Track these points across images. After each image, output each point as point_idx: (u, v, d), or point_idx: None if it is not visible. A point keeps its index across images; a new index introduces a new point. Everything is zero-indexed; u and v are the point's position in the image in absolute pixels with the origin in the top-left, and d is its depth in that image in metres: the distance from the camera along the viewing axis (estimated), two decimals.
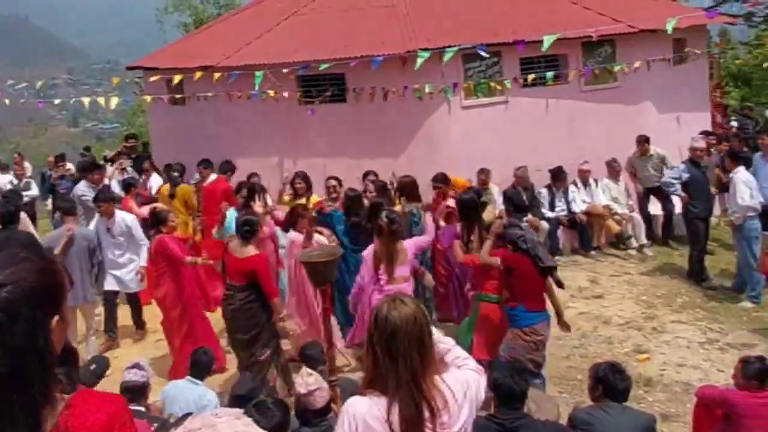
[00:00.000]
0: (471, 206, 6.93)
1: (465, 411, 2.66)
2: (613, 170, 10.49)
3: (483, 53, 9.57)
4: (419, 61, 9.14)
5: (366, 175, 9.09)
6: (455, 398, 2.62)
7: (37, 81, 11.15)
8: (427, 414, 2.55)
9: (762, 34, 19.81)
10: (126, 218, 7.95)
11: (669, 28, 8.24)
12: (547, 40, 8.18)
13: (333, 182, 8.60)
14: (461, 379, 2.72)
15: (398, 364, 2.55)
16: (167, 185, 9.76)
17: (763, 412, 4.61)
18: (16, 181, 11.54)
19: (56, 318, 1.70)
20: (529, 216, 9.84)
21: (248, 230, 6.28)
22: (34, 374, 1.61)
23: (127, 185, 9.68)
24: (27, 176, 11.46)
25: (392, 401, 2.54)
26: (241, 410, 1.48)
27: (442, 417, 2.57)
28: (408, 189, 7.95)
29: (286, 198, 8.76)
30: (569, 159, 10.30)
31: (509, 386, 4.17)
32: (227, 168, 9.96)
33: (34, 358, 1.60)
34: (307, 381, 4.12)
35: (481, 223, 6.91)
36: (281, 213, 7.84)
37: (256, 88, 9.95)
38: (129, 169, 11.14)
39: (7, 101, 10.72)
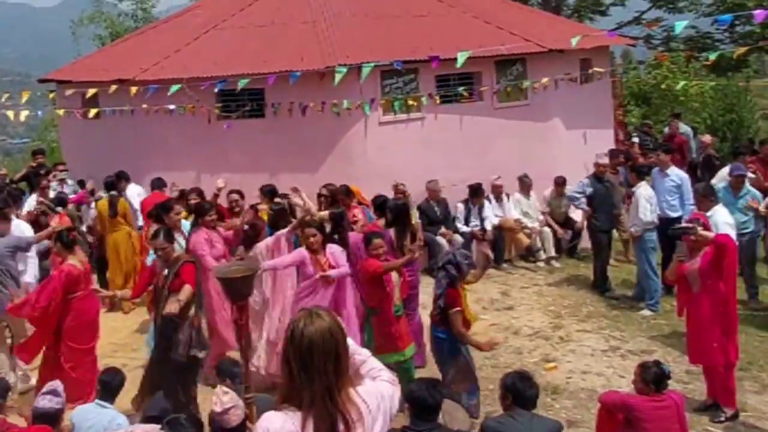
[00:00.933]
0: (402, 210, 7.20)
1: (379, 423, 2.69)
2: (524, 185, 10.89)
3: (399, 68, 9.83)
4: (338, 76, 9.29)
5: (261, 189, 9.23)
6: (369, 410, 2.65)
7: None
8: (341, 427, 2.57)
9: (659, 55, 20.94)
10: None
11: (573, 42, 8.71)
12: (461, 56, 8.49)
13: (235, 196, 8.95)
14: (375, 392, 2.74)
15: (313, 379, 2.56)
16: (104, 201, 9.64)
17: (661, 414, 4.88)
18: None
19: None
20: (443, 229, 10.11)
21: None
22: None
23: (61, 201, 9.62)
24: None
25: (307, 416, 2.56)
26: (158, 426, 1.53)
27: (357, 430, 2.60)
28: (340, 195, 8.33)
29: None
30: (483, 174, 10.59)
31: (424, 398, 4.25)
32: (161, 184, 9.87)
33: None
34: (222, 399, 4.07)
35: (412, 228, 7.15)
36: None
37: (172, 104, 9.89)
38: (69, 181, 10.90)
39: None
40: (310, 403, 2.56)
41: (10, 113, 10.69)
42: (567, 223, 10.95)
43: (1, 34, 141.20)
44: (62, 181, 10.95)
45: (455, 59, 8.58)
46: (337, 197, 8.31)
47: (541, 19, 14.24)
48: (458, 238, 10.07)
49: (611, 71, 13.50)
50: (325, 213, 7.68)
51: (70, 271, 6.78)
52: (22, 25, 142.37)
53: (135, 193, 10.33)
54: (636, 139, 14.53)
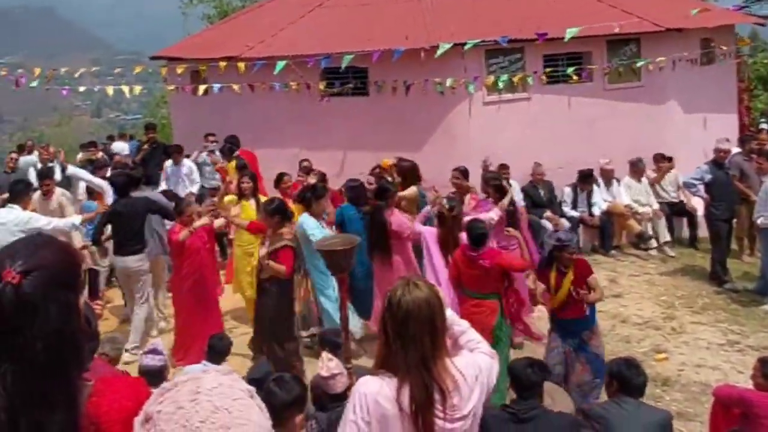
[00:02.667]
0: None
1: (476, 394, 2.65)
2: (637, 169, 10.36)
3: (504, 44, 9.54)
4: (440, 50, 9.13)
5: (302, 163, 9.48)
6: (466, 381, 2.63)
7: (62, 70, 11.20)
8: (437, 396, 2.56)
9: None
10: None
11: (694, 12, 8.17)
12: (570, 33, 8.14)
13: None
14: (473, 363, 2.72)
15: (409, 347, 2.57)
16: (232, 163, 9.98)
17: None
18: (39, 165, 11.68)
19: (82, 299, 1.71)
20: (548, 213, 9.79)
21: None
22: (71, 361, 1.60)
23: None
24: (51, 162, 11.62)
25: (402, 383, 2.57)
26: (230, 368, 1.46)
27: (453, 399, 2.58)
28: (410, 173, 8.12)
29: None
30: (591, 157, 10.21)
31: (526, 376, 4.17)
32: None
33: (68, 344, 1.59)
34: (329, 365, 4.13)
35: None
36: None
37: (278, 81, 9.98)
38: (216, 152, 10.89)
39: (34, 84, 10.80)
40: (405, 371, 2.57)
41: (125, 89, 11.10)
42: (683, 211, 10.38)
43: (115, 15, 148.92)
44: (211, 152, 11.05)
45: (563, 39, 8.24)
46: (407, 174, 8.16)
47: None
48: (565, 223, 9.72)
49: (736, 52, 12.61)
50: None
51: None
52: (136, 6, 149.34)
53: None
54: (765, 125, 13.56)
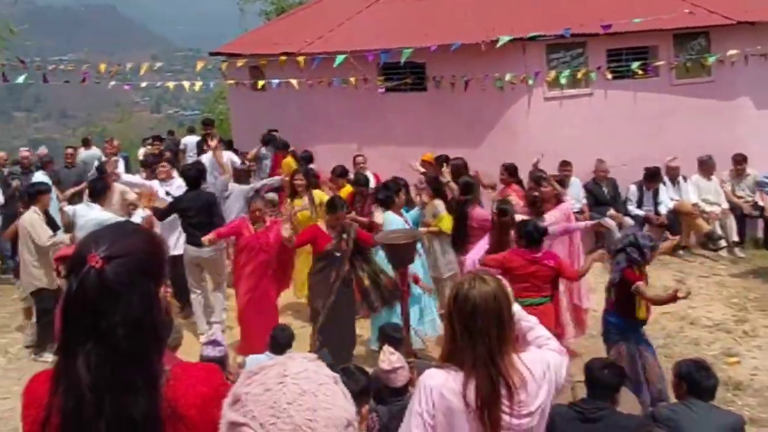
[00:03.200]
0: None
1: (544, 391, 2.61)
2: (707, 167, 10.00)
3: (567, 36, 9.34)
4: (501, 42, 9.02)
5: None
6: (534, 377, 2.59)
7: (127, 66, 11.44)
8: (504, 392, 2.53)
9: None
10: None
11: None
12: (636, 21, 7.88)
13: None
14: (541, 359, 2.68)
15: (476, 341, 2.55)
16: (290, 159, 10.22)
17: None
18: (104, 158, 11.98)
19: (162, 288, 1.77)
20: (612, 211, 9.54)
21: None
22: (151, 348, 1.65)
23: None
24: (115, 155, 11.90)
25: (469, 377, 2.55)
26: (315, 355, 1.49)
27: (520, 395, 2.54)
28: (464, 170, 8.19)
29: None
30: (656, 155, 9.91)
31: (602, 377, 4.11)
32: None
33: (149, 332, 1.64)
34: (391, 358, 4.13)
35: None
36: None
37: (336, 76, 9.98)
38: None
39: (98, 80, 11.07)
40: (472, 365, 2.55)
41: (186, 84, 11.29)
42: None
43: (175, 12, 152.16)
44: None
45: (628, 33, 7.99)
46: (461, 171, 8.15)
47: None
48: (629, 221, 9.46)
49: None
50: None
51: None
52: (194, 5, 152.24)
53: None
54: None
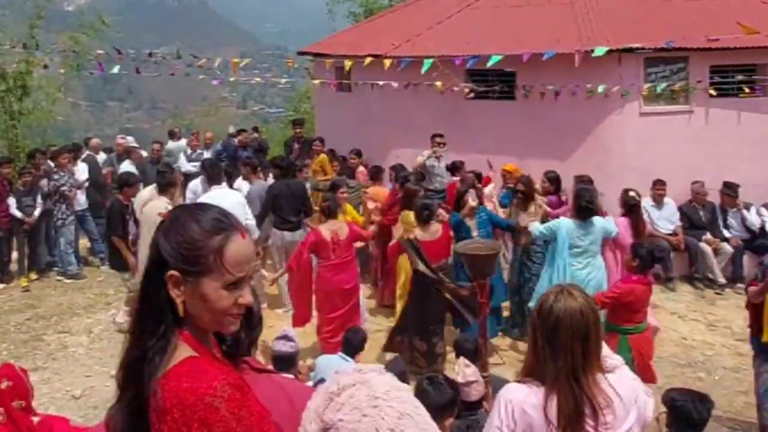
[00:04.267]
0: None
1: (632, 417, 2.51)
2: None
3: (669, 47, 8.85)
4: (596, 52, 8.68)
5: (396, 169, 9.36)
6: (622, 401, 2.48)
7: (216, 61, 11.58)
8: (587, 411, 2.43)
9: None
10: None
11: None
12: (743, 30, 7.36)
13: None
14: (630, 383, 2.59)
15: (557, 356, 2.47)
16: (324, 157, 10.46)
17: None
18: (189, 151, 12.19)
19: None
20: (708, 235, 9.00)
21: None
22: (168, 324, 1.67)
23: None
24: (200, 149, 12.10)
25: (550, 393, 2.46)
26: (382, 366, 1.46)
27: (606, 416, 2.44)
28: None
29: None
30: (761, 179, 9.30)
31: (689, 411, 3.83)
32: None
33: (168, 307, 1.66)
34: (465, 371, 4.03)
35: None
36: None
37: (422, 80, 9.79)
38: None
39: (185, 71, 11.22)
40: (553, 380, 2.47)
41: (280, 80, 11.42)
42: None
43: (264, 11, 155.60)
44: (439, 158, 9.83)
45: (734, 49, 7.47)
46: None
47: None
48: (727, 247, 8.88)
49: None
50: None
51: (316, 234, 6.96)
52: (283, 3, 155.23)
53: None
54: None
